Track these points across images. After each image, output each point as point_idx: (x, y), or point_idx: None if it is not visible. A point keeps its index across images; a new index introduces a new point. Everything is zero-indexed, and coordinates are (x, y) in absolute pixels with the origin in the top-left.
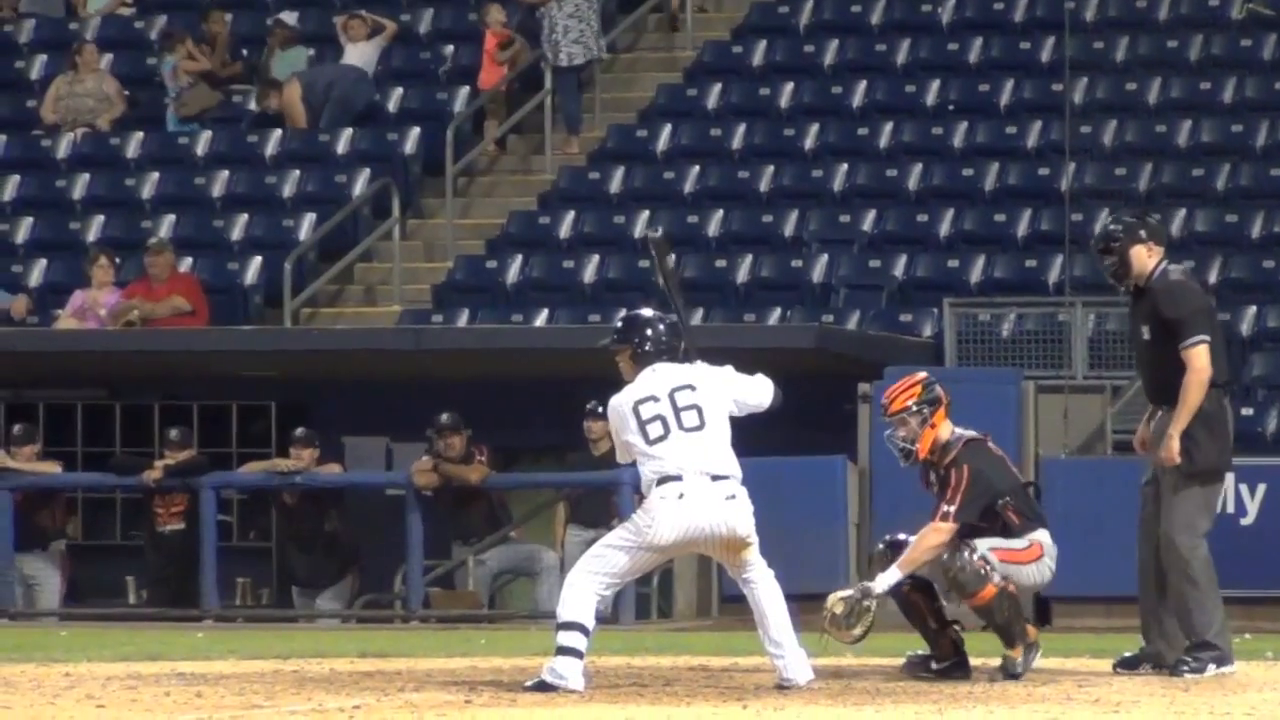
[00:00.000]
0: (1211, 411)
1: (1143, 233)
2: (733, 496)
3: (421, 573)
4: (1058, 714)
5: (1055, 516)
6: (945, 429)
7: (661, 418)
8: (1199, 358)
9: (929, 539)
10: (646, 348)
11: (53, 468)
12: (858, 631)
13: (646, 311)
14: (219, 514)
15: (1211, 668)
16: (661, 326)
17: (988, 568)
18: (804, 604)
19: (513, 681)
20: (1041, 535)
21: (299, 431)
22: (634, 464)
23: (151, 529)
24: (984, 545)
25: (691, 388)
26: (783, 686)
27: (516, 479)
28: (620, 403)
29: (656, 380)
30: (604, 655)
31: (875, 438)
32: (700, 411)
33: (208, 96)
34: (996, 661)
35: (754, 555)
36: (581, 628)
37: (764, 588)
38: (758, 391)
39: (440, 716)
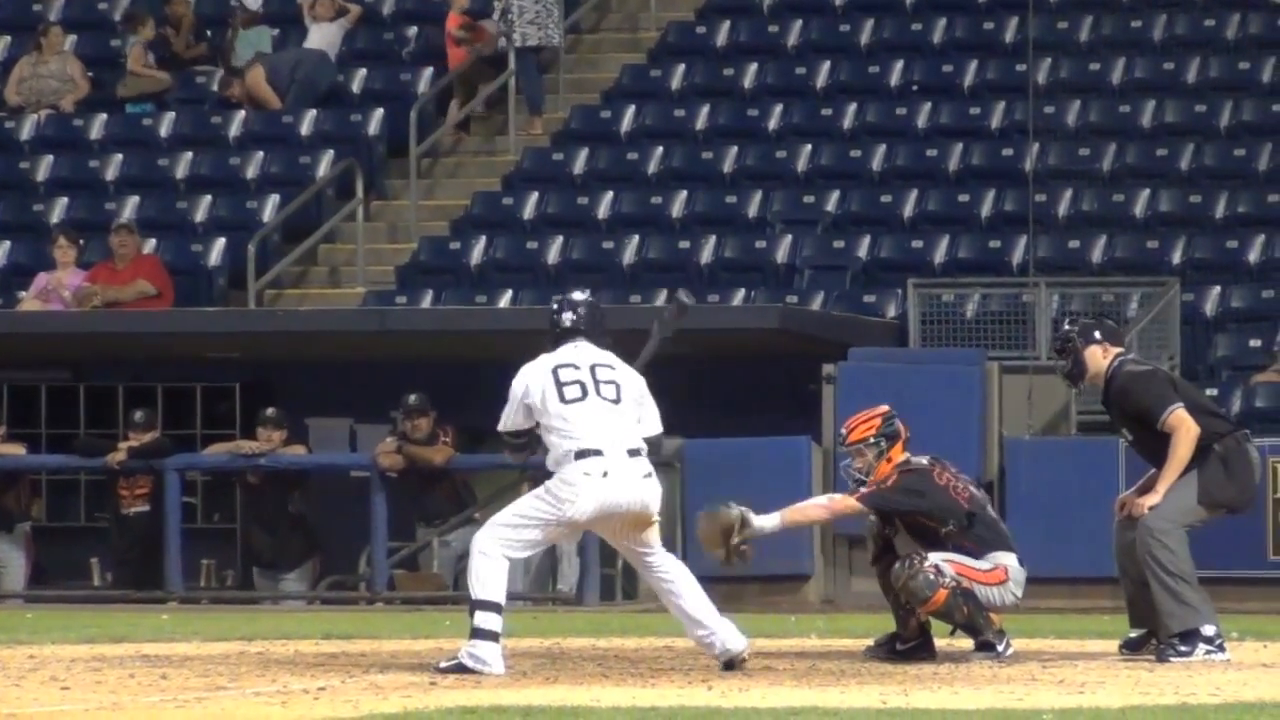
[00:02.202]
0: (1228, 454)
1: (1097, 334)
2: (649, 474)
3: (386, 554)
4: (1022, 694)
5: (1019, 497)
6: (900, 462)
7: (580, 383)
8: (1180, 423)
9: (826, 503)
10: (565, 325)
11: (17, 449)
12: (702, 527)
13: (576, 294)
14: (183, 496)
15: (1200, 650)
16: (582, 308)
17: (938, 574)
18: (768, 585)
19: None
20: (1007, 559)
21: (268, 412)
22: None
23: (116, 511)
24: (937, 556)
25: (611, 367)
26: (727, 664)
27: (481, 460)
28: (539, 365)
29: (578, 353)
30: (569, 637)
31: (839, 418)
32: (618, 388)
33: (150, 81)
34: (965, 642)
35: (655, 537)
36: (497, 607)
37: (673, 570)
38: (652, 416)
39: (405, 698)
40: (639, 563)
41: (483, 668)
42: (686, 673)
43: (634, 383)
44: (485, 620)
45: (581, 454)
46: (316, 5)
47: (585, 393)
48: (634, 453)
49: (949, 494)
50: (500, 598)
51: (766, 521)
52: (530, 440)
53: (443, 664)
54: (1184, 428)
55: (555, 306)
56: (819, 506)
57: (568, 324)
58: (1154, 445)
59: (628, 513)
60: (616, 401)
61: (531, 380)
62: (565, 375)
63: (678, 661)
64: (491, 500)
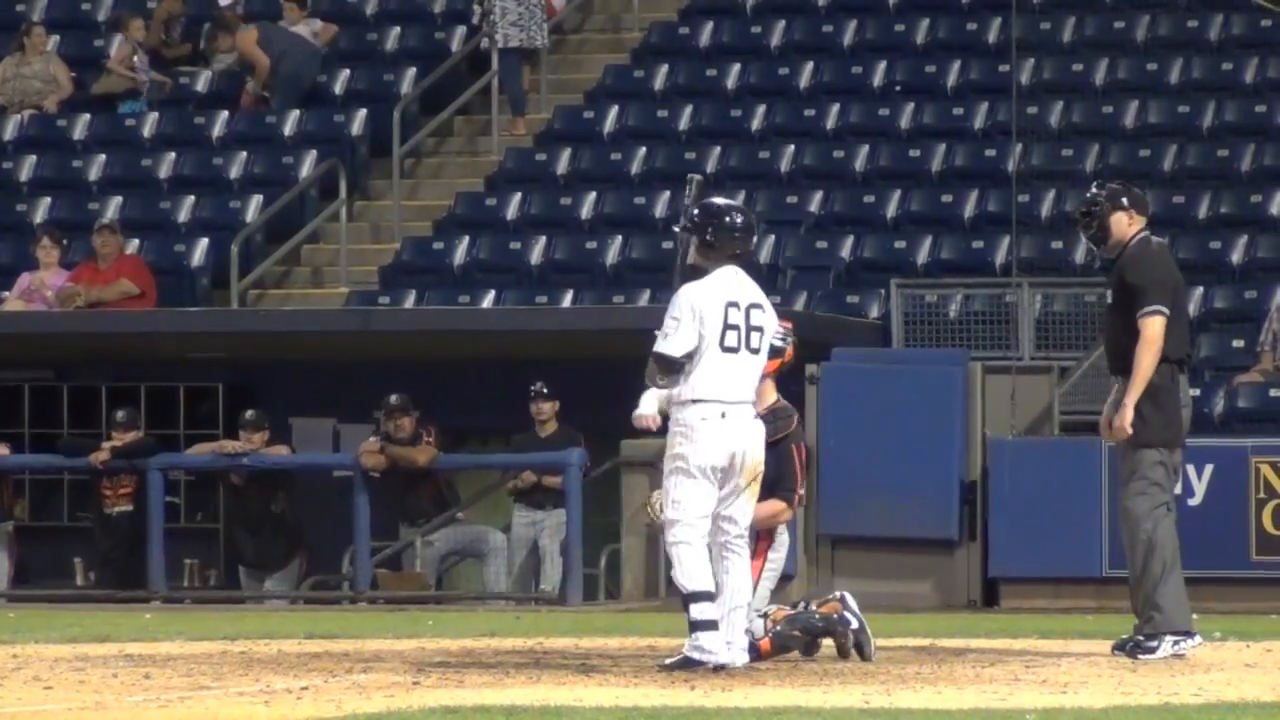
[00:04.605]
0: (1160, 385)
1: (1125, 200)
2: (757, 417)
3: (369, 554)
4: (1005, 695)
5: (1002, 498)
6: (768, 387)
7: (738, 330)
8: (1151, 327)
9: (777, 513)
10: (749, 248)
11: (0, 449)
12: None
13: (720, 200)
14: (166, 495)
15: (1167, 645)
16: (739, 219)
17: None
18: None
19: (460, 663)
20: (768, 506)
21: (249, 414)
22: (668, 371)
23: (99, 510)
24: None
25: (762, 309)
26: (717, 667)
27: (464, 460)
28: (713, 293)
29: (739, 287)
30: (552, 636)
31: (823, 418)
32: (763, 335)
33: (123, 80)
34: (948, 643)
35: (748, 510)
36: (709, 595)
37: (738, 563)
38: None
39: (388, 698)
40: (719, 534)
41: (710, 658)
42: (669, 672)
43: (774, 319)
44: (701, 611)
45: (698, 401)
46: (286, 11)
47: (739, 344)
48: (749, 401)
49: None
50: (711, 585)
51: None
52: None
53: (668, 661)
54: (1152, 338)
55: (738, 221)
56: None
57: (751, 247)
58: (1123, 322)
59: (743, 456)
60: (758, 351)
61: (707, 307)
62: (733, 316)
63: (660, 661)
64: (475, 500)
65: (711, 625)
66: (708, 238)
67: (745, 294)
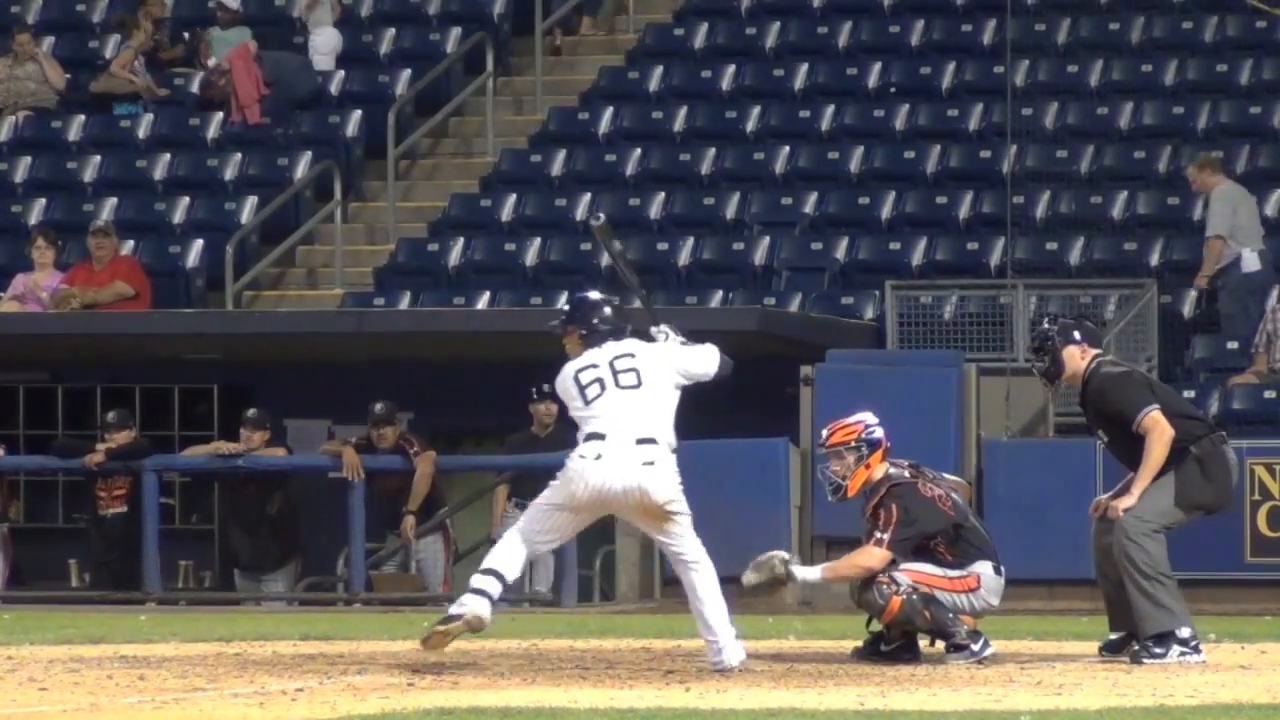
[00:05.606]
0: (1205, 455)
1: (1076, 334)
2: (651, 462)
3: (364, 556)
4: (1000, 696)
5: (996, 499)
6: (879, 471)
7: (600, 380)
8: (1155, 424)
9: (860, 559)
10: (594, 327)
11: None
12: (752, 579)
13: (593, 294)
14: (161, 497)
15: (1175, 652)
16: (607, 309)
17: (891, 584)
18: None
19: (454, 665)
20: (982, 568)
21: (250, 413)
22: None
23: (94, 512)
24: (894, 569)
25: (632, 355)
26: (716, 669)
27: (459, 461)
28: (564, 375)
29: (599, 353)
30: (547, 638)
31: (817, 421)
32: (638, 373)
33: (123, 84)
34: (942, 644)
35: (684, 530)
36: (498, 574)
37: (697, 569)
38: (703, 360)
39: (382, 699)
40: (670, 556)
41: (460, 609)
42: (664, 674)
43: (660, 359)
44: (479, 581)
45: (587, 439)
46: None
47: (604, 388)
48: (644, 440)
49: (935, 507)
50: (503, 569)
51: (810, 574)
52: None
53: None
54: (1158, 430)
55: (593, 318)
56: (854, 567)
57: (596, 329)
58: (1129, 446)
59: (627, 499)
60: (636, 386)
61: (562, 393)
62: (585, 377)
63: (655, 662)
64: (469, 502)
65: (481, 593)
66: (583, 332)
67: (606, 354)
